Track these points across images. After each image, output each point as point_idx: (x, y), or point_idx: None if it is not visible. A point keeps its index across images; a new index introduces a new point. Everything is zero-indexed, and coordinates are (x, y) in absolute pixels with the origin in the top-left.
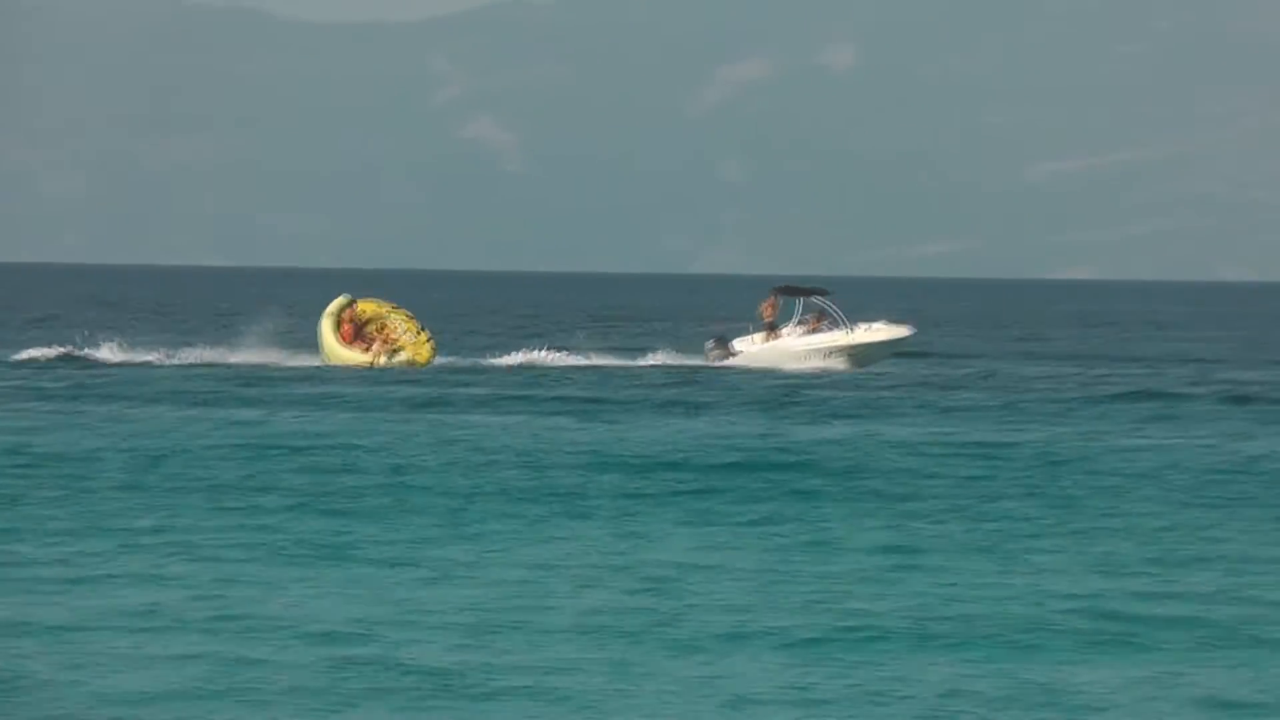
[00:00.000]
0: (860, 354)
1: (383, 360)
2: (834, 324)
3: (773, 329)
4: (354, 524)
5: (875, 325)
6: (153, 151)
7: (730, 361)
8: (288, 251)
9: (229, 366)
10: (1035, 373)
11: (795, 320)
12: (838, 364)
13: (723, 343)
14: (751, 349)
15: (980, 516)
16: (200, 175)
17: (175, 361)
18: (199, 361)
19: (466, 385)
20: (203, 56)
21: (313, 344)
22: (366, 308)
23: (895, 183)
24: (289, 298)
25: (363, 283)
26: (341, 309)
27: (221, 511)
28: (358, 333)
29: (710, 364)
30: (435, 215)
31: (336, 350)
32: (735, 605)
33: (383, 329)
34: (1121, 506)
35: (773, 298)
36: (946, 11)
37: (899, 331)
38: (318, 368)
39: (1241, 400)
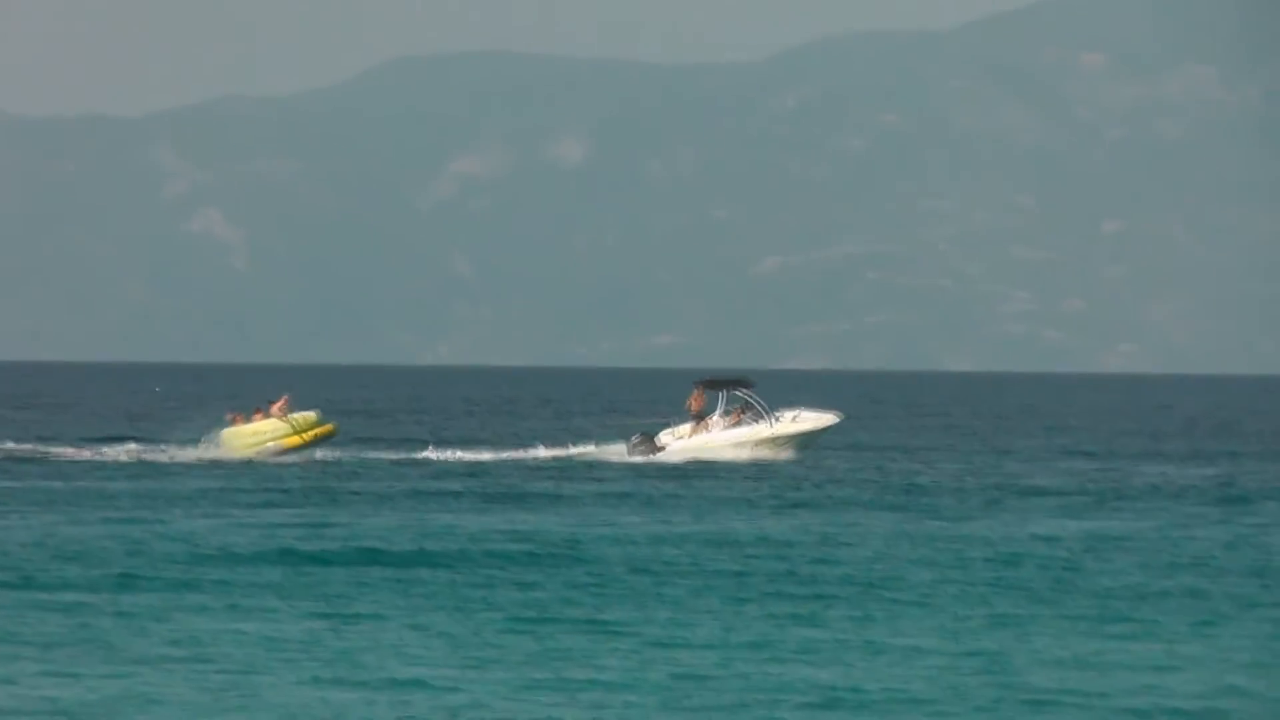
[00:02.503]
0: (785, 444)
1: (300, 425)
2: (758, 415)
3: (700, 421)
4: (74, 614)
5: (800, 414)
6: None
7: (656, 456)
8: (5, 345)
9: None
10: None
11: (719, 412)
12: (765, 454)
13: (647, 437)
14: (677, 443)
15: (659, 603)
16: None
17: None
18: None
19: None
20: None
21: None
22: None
23: (624, 275)
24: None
25: (80, 377)
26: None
27: None
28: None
29: (635, 459)
30: (159, 309)
31: (246, 429)
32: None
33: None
34: (818, 590)
35: (697, 390)
36: (673, 107)
37: (824, 420)
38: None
39: (918, 490)
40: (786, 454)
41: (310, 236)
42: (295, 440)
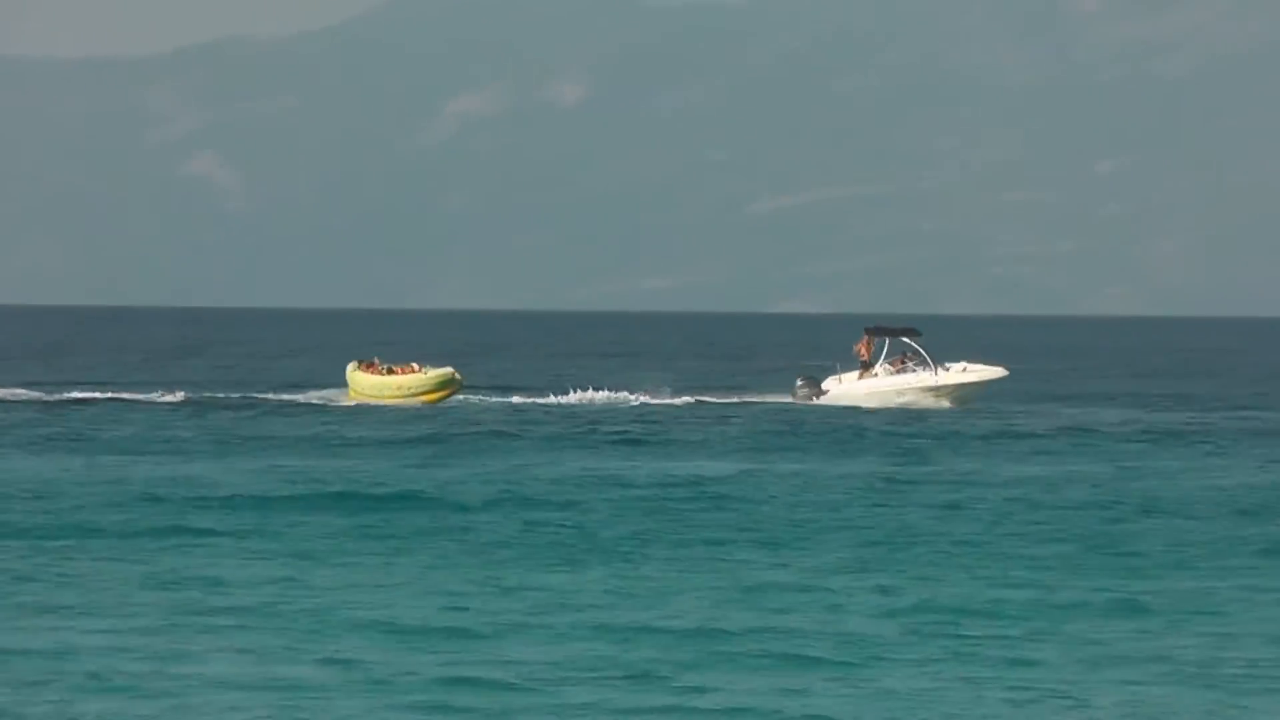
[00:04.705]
0: (950, 394)
1: (427, 373)
2: (922, 364)
3: (867, 368)
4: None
5: (968, 366)
6: None
7: (820, 400)
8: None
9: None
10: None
11: (883, 360)
12: (927, 403)
13: (812, 382)
14: (840, 388)
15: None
16: None
17: None
18: None
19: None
20: None
21: None
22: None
23: (620, 217)
24: None
25: (74, 320)
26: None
27: None
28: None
29: (799, 402)
30: (155, 252)
31: (391, 380)
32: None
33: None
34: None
35: (867, 338)
36: (672, 47)
37: (991, 373)
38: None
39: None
40: (948, 404)
41: (308, 178)
42: (433, 396)
